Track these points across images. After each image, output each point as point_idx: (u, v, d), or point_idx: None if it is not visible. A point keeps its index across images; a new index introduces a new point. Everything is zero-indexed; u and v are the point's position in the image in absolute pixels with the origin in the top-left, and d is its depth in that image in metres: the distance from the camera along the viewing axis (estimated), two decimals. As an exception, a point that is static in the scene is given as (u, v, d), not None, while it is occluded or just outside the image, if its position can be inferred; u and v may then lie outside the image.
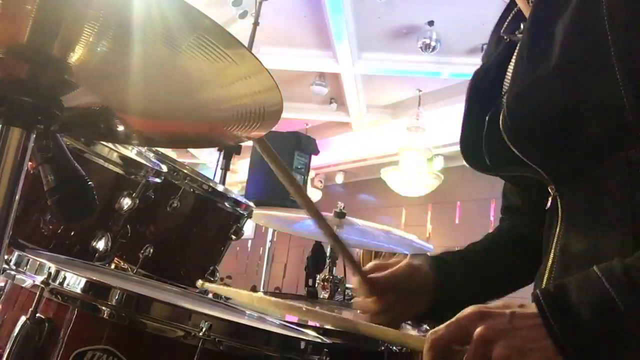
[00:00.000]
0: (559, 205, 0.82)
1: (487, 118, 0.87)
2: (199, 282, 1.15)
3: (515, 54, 0.88)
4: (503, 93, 0.89)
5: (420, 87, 6.49)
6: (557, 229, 0.82)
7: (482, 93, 0.95)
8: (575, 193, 0.80)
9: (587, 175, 0.77)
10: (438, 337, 0.67)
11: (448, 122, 6.61)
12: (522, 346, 0.62)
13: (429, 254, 1.06)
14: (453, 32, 5.17)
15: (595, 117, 0.73)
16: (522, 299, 0.71)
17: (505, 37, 0.95)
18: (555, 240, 0.82)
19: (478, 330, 0.64)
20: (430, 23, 5.12)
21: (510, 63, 0.91)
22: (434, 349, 0.66)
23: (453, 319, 0.67)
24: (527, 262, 0.98)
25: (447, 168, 6.68)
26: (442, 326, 0.68)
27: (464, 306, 0.74)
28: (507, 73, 0.92)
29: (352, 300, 2.10)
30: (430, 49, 5.20)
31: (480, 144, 0.91)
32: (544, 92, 0.77)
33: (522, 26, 0.91)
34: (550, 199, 0.86)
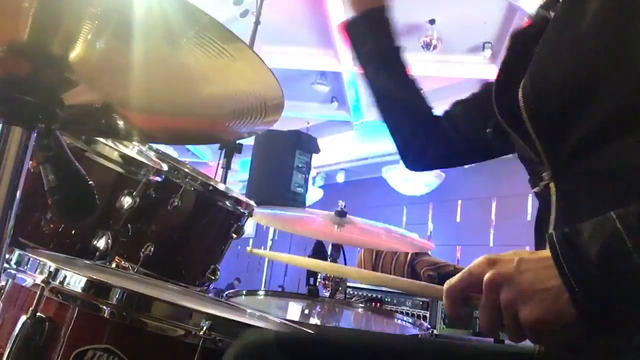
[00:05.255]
0: (554, 192, 0.82)
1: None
2: (248, 248, 1.17)
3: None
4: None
5: (421, 85, 6.48)
6: (553, 215, 0.81)
7: (517, 54, 0.96)
8: (572, 180, 0.79)
9: (585, 158, 0.77)
10: (451, 286, 0.71)
11: (449, 120, 6.59)
12: (527, 289, 0.64)
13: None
14: (454, 31, 5.16)
15: (610, 94, 0.74)
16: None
17: (541, 12, 0.95)
18: (552, 225, 0.81)
19: (486, 276, 0.66)
20: (432, 22, 5.10)
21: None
22: (449, 297, 0.71)
23: (466, 269, 0.71)
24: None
25: (448, 167, 6.66)
26: (456, 276, 0.71)
27: None
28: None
29: (352, 300, 2.10)
30: (432, 48, 5.19)
31: (511, 100, 0.93)
32: (567, 58, 0.78)
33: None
34: (542, 185, 0.86)
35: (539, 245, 0.85)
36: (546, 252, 0.65)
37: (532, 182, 0.90)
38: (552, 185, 0.82)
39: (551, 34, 0.84)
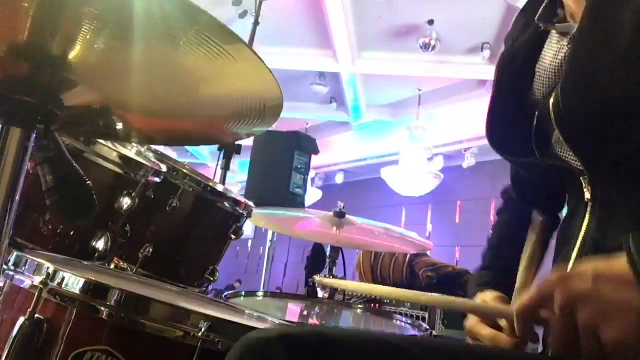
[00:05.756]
0: (590, 197, 0.81)
1: (537, 104, 0.87)
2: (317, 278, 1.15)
3: (566, 43, 0.86)
4: (547, 81, 0.88)
5: (420, 86, 6.49)
6: (587, 220, 0.81)
7: (510, 78, 0.94)
8: (612, 186, 0.79)
9: (627, 169, 0.76)
10: (522, 307, 0.67)
11: (448, 121, 6.60)
12: (609, 307, 0.59)
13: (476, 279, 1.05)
14: (453, 31, 5.16)
15: None
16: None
17: (541, 26, 0.92)
18: (584, 231, 0.81)
19: (561, 296, 0.62)
20: (431, 22, 5.11)
21: (544, 50, 0.91)
22: (521, 319, 0.67)
23: (535, 288, 0.67)
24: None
25: (447, 168, 6.68)
26: (525, 296, 0.68)
27: None
28: (542, 60, 0.91)
29: (351, 301, 2.10)
30: (431, 49, 5.19)
31: (509, 129, 0.91)
32: (607, 80, 0.75)
33: (559, 13, 0.90)
34: (581, 188, 0.84)
35: (565, 245, 0.85)
36: (622, 264, 0.60)
37: (571, 193, 0.89)
38: (589, 189, 0.81)
39: (581, 51, 0.79)
